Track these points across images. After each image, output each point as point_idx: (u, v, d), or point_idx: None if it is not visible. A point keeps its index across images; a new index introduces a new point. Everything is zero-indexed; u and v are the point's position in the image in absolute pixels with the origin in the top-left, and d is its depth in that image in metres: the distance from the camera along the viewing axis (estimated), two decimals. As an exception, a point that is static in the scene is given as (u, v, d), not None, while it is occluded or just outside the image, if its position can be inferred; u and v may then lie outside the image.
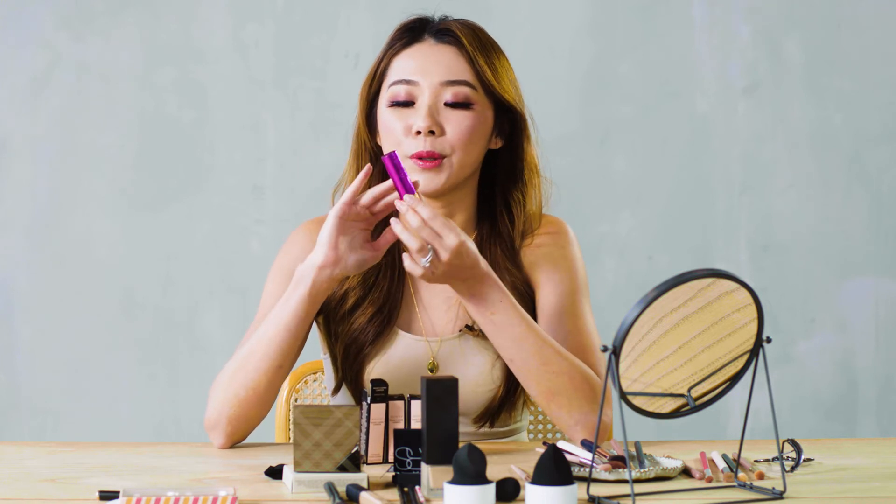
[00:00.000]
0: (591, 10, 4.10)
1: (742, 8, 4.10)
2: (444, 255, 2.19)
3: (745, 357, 1.98)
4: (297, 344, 2.31)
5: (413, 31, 2.41)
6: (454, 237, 2.18)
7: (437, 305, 2.44)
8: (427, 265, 2.19)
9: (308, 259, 2.26)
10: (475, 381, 2.39)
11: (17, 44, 4.04)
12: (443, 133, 2.36)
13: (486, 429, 2.46)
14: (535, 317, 2.44)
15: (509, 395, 2.42)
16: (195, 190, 4.08)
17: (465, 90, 2.37)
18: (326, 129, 4.07)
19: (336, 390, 2.44)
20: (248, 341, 2.33)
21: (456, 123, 2.36)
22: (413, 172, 2.36)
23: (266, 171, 4.09)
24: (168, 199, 4.08)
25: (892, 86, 4.12)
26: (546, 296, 2.43)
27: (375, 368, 2.40)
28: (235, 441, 2.34)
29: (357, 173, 2.40)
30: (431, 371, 2.41)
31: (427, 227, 2.18)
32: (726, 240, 4.12)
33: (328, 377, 2.49)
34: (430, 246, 2.18)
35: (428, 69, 2.37)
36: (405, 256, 2.20)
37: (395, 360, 2.41)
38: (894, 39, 4.12)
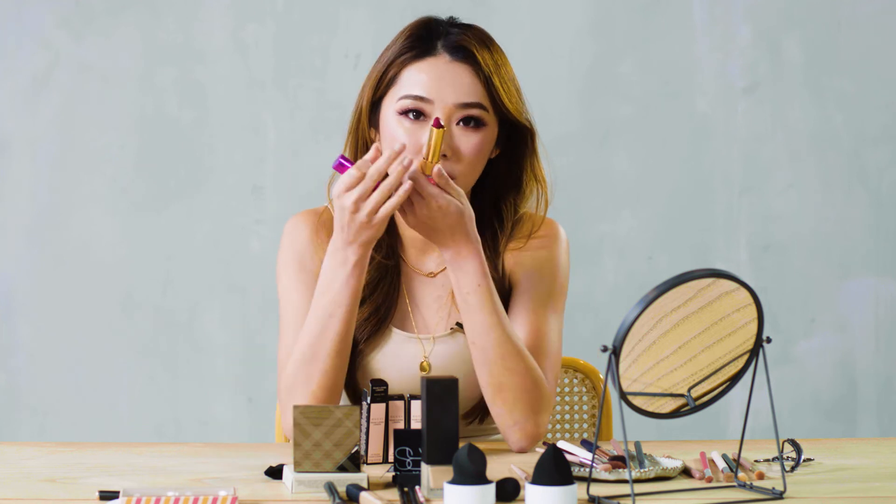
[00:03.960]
0: (591, 10, 4.10)
1: (742, 8, 4.10)
2: (418, 211, 2.24)
3: (745, 357, 1.98)
4: (354, 325, 2.32)
5: (424, 41, 2.38)
6: (435, 200, 2.24)
7: (429, 304, 2.44)
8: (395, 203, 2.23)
9: (356, 241, 2.26)
10: (467, 378, 2.40)
11: (17, 44, 4.04)
12: (455, 155, 2.35)
13: (475, 425, 2.47)
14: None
15: None
16: (195, 190, 4.08)
17: (477, 113, 2.36)
18: (326, 129, 4.07)
19: None
20: (305, 341, 2.32)
21: (467, 144, 2.36)
22: None
23: (266, 171, 4.09)
24: (168, 199, 4.08)
25: (892, 86, 4.12)
26: (520, 292, 2.43)
27: (370, 365, 2.41)
28: None
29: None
30: (424, 369, 2.42)
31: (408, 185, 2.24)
32: (726, 240, 4.12)
33: None
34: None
35: (442, 89, 2.35)
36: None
37: (389, 357, 2.41)
38: (894, 39, 4.12)
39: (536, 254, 2.46)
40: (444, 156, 2.33)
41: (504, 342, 2.30)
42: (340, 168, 2.25)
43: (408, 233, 2.47)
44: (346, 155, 2.44)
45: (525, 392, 2.31)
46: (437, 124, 2.25)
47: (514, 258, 2.46)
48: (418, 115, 2.35)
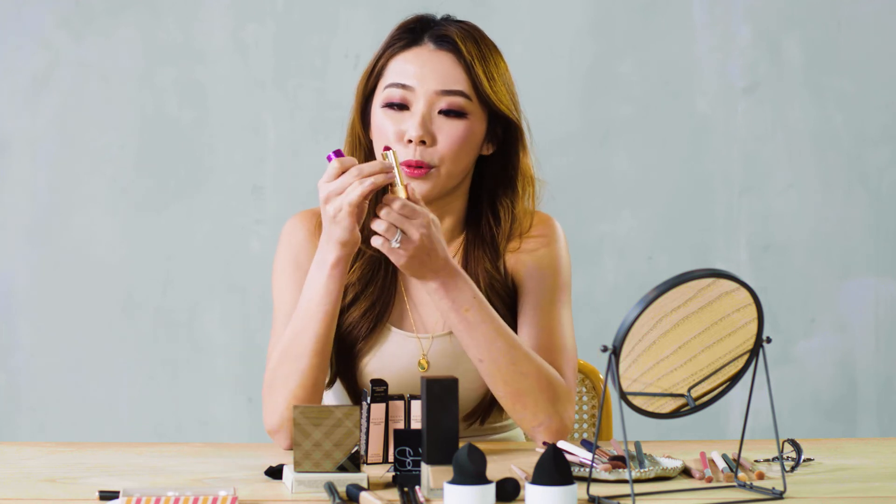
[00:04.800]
0: (591, 10, 4.10)
1: (742, 8, 4.10)
2: (415, 234, 2.19)
3: (745, 357, 1.98)
4: (334, 326, 2.30)
5: (413, 32, 2.40)
6: (426, 216, 2.20)
7: (426, 302, 2.44)
8: (397, 245, 2.19)
9: (329, 239, 2.24)
10: (466, 377, 2.40)
11: (17, 44, 4.04)
12: (434, 143, 2.35)
13: (476, 426, 2.47)
14: (515, 317, 2.44)
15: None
16: (195, 190, 4.08)
17: (459, 100, 2.37)
18: (326, 129, 4.07)
19: (330, 384, 2.45)
20: (286, 339, 2.31)
21: (448, 133, 2.36)
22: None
23: (266, 171, 4.09)
24: (168, 199, 4.08)
25: (892, 86, 4.12)
26: (526, 292, 2.43)
27: (368, 364, 2.41)
28: None
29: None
30: (423, 368, 2.42)
31: (395, 213, 2.19)
32: (726, 240, 4.12)
33: None
34: (399, 228, 2.19)
35: (425, 76, 2.36)
36: (374, 238, 2.21)
37: (388, 356, 2.41)
38: (894, 39, 4.12)
39: (536, 252, 2.46)
40: (423, 142, 2.34)
41: (511, 347, 2.30)
42: (330, 159, 2.24)
43: None
44: (343, 151, 2.44)
45: (542, 392, 2.31)
46: (386, 148, 2.24)
47: (515, 258, 2.46)
48: (402, 106, 2.36)
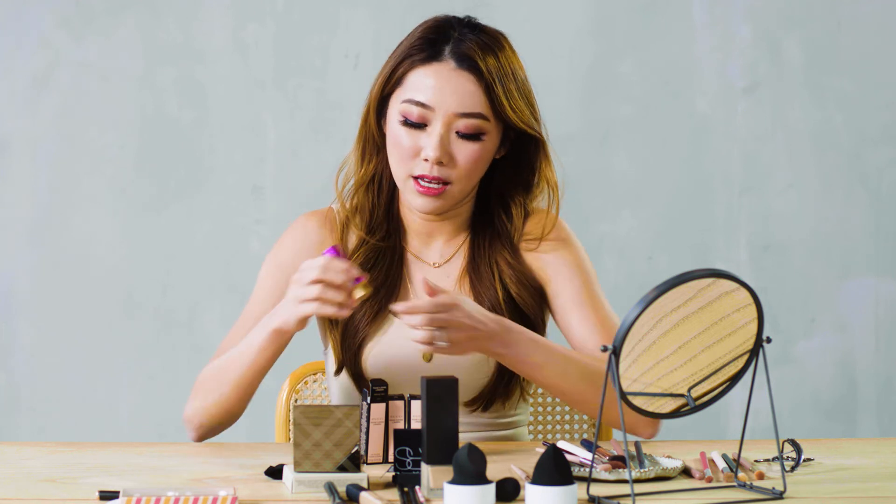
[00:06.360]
0: (591, 10, 4.10)
1: (742, 8, 4.10)
2: (463, 321, 2.20)
3: (745, 357, 1.98)
4: (261, 377, 2.36)
5: (434, 45, 2.38)
6: (458, 303, 2.20)
7: None
8: (444, 344, 2.20)
9: (285, 311, 2.27)
10: (470, 367, 2.40)
11: (17, 44, 4.04)
12: (451, 162, 2.36)
13: (480, 417, 2.46)
14: (543, 309, 2.46)
15: (501, 383, 2.43)
16: (195, 190, 4.08)
17: (477, 122, 2.37)
18: (326, 129, 4.07)
19: (338, 371, 2.46)
20: (222, 360, 2.38)
21: (464, 154, 2.36)
22: (413, 195, 2.37)
23: (266, 171, 4.09)
24: (168, 199, 4.08)
25: (892, 86, 4.12)
26: (561, 292, 2.45)
27: (372, 352, 2.42)
28: (206, 438, 2.43)
29: (361, 158, 2.45)
30: (426, 359, 2.42)
31: (429, 315, 2.19)
32: (726, 240, 4.12)
33: (329, 366, 2.50)
34: (435, 330, 2.20)
35: (444, 97, 2.35)
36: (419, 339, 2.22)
37: (392, 344, 2.42)
38: (894, 39, 4.12)
39: (557, 253, 2.48)
40: (441, 163, 2.35)
41: (581, 369, 2.33)
42: (330, 251, 2.23)
43: (412, 222, 2.47)
44: (354, 156, 2.46)
45: (598, 388, 2.32)
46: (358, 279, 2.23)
47: (535, 261, 2.47)
48: (419, 124, 2.36)
